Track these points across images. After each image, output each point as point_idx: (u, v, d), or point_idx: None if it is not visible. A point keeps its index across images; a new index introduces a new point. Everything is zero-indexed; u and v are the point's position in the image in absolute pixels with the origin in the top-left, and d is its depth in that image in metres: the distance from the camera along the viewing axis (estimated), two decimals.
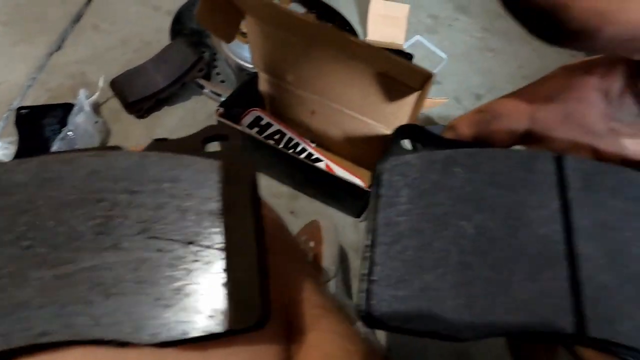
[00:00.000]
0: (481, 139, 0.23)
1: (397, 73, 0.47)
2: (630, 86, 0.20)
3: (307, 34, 0.52)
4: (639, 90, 0.20)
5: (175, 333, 0.14)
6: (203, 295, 0.15)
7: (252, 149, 0.67)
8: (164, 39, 0.82)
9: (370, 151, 0.68)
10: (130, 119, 0.73)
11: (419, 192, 0.19)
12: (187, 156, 0.17)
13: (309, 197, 0.70)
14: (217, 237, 0.16)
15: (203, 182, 0.17)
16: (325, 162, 0.72)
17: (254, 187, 0.18)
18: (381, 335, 0.57)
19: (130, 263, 0.15)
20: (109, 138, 0.70)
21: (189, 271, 0.15)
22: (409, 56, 0.96)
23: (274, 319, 0.20)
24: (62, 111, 0.64)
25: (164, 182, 0.17)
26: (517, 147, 0.24)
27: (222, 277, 0.15)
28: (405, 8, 0.99)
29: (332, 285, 0.47)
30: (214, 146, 0.20)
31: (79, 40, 0.84)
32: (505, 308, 0.17)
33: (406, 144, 0.22)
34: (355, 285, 0.55)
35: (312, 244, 0.50)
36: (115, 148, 0.18)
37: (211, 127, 0.20)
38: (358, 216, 0.70)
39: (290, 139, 0.73)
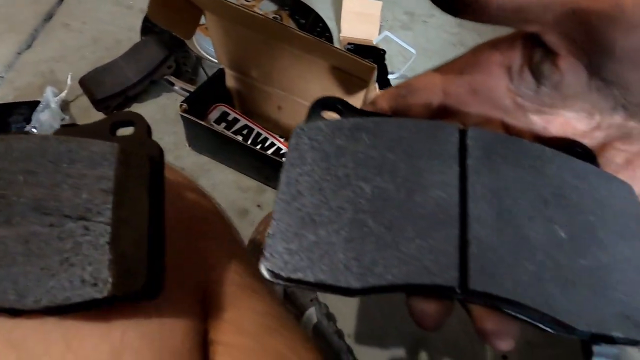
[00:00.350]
0: (399, 113, 0.24)
1: (349, 66, 0.49)
2: (527, 61, 0.21)
3: (265, 30, 0.53)
4: (535, 65, 0.21)
5: (58, 299, 0.15)
6: (89, 265, 0.16)
7: (220, 144, 0.68)
8: (136, 37, 0.82)
9: None
10: (99, 116, 0.74)
11: (323, 155, 0.20)
12: (87, 139, 0.18)
13: (276, 190, 0.72)
14: (108, 213, 0.17)
15: (100, 162, 0.18)
16: None
17: (156, 167, 0.19)
18: (345, 324, 0.58)
19: (20, 237, 0.16)
20: None
21: (78, 244, 0.16)
22: (382, 52, 0.98)
23: (189, 296, 0.21)
24: (28, 109, 0.65)
25: (62, 163, 0.18)
26: None
27: (108, 249, 0.16)
28: (378, 5, 1.00)
29: None
30: (124, 131, 0.21)
31: (49, 39, 0.85)
32: (394, 263, 0.18)
33: None
34: None
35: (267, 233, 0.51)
36: (25, 133, 0.19)
37: (118, 113, 0.21)
38: None
39: (259, 134, 0.74)
